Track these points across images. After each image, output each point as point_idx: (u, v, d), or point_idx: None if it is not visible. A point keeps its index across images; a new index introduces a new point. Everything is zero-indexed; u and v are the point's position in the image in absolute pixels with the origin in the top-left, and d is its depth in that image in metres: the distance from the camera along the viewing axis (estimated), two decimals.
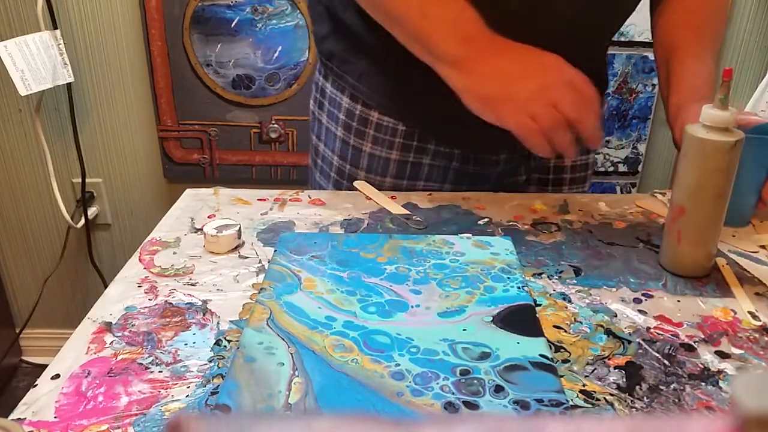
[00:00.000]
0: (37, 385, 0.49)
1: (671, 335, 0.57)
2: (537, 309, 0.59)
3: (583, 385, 0.50)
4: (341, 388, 0.48)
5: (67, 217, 1.58)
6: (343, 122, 0.86)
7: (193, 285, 0.62)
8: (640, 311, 0.60)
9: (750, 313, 0.60)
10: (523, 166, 0.89)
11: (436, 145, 0.84)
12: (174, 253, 0.68)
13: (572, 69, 0.67)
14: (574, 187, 0.93)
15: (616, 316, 0.59)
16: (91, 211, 1.66)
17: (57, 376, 0.50)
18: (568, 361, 0.53)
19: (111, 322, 0.57)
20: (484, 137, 0.79)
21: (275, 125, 1.56)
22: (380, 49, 0.80)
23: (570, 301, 0.61)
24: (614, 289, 0.63)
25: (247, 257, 0.68)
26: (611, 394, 0.49)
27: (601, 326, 0.57)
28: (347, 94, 0.85)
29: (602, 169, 1.59)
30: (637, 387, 0.50)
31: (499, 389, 0.48)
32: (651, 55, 1.48)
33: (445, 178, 0.86)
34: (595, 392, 0.50)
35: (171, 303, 0.60)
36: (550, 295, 0.62)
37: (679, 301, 0.62)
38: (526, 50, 0.69)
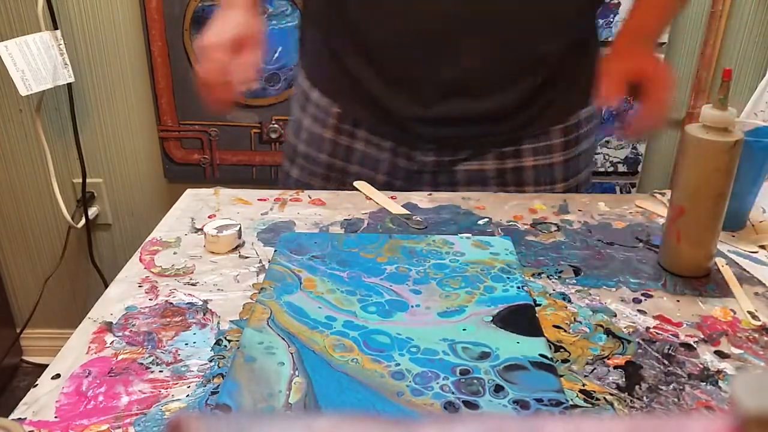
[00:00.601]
0: (37, 384, 0.49)
1: (671, 335, 0.57)
2: (537, 309, 0.59)
3: (583, 385, 0.50)
4: (341, 388, 0.48)
5: (68, 217, 1.58)
6: (297, 96, 0.91)
7: (193, 285, 0.63)
8: (639, 311, 0.60)
9: (749, 313, 0.60)
10: (458, 175, 0.85)
11: (367, 132, 0.85)
12: (174, 253, 0.68)
13: (246, 38, 0.70)
14: None
15: (615, 315, 0.59)
16: (92, 211, 1.66)
17: (57, 375, 0.50)
18: (568, 360, 0.53)
19: (111, 322, 0.57)
20: (408, 133, 0.81)
21: (275, 125, 1.56)
22: (322, 30, 0.84)
23: (570, 301, 0.61)
24: (614, 289, 0.63)
25: (247, 257, 0.68)
26: (611, 394, 0.50)
27: (601, 326, 0.58)
28: (302, 69, 0.90)
29: (602, 170, 1.59)
30: (637, 387, 0.50)
31: (498, 389, 0.49)
32: None
33: (376, 167, 0.86)
34: (594, 392, 0.50)
35: (171, 303, 0.60)
36: (550, 294, 0.62)
37: (678, 301, 0.62)
38: (233, 6, 0.73)
